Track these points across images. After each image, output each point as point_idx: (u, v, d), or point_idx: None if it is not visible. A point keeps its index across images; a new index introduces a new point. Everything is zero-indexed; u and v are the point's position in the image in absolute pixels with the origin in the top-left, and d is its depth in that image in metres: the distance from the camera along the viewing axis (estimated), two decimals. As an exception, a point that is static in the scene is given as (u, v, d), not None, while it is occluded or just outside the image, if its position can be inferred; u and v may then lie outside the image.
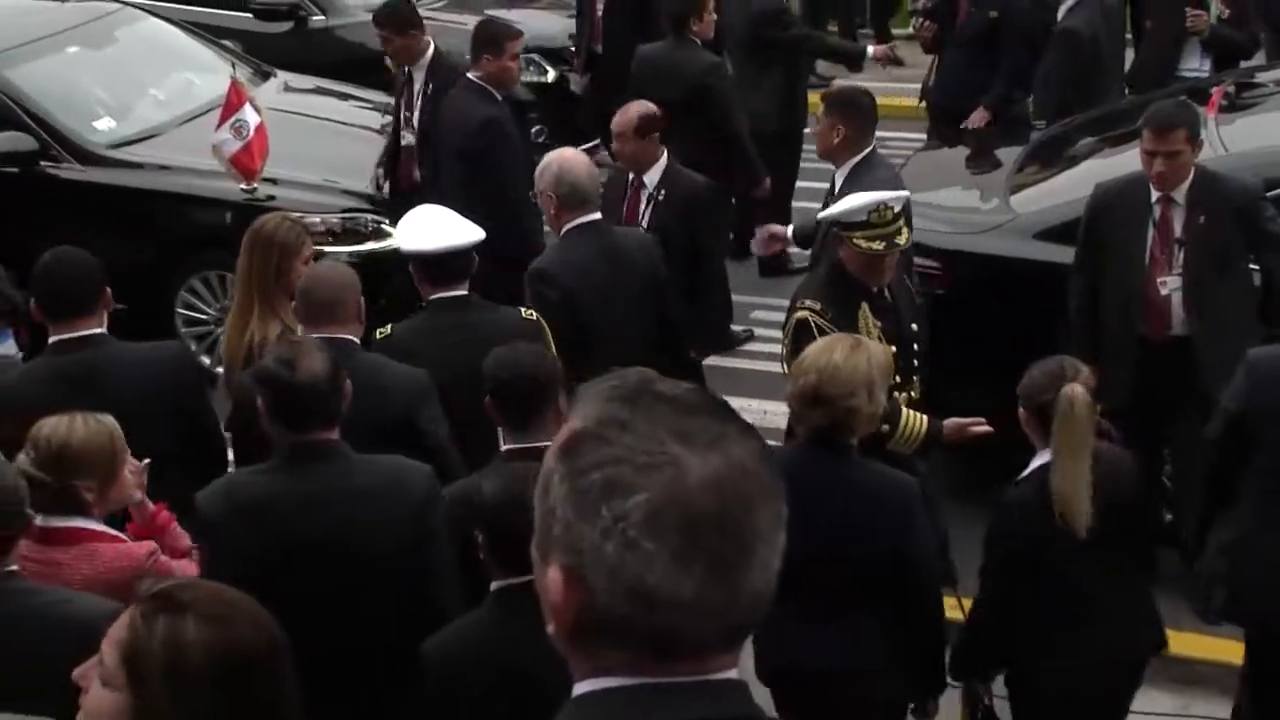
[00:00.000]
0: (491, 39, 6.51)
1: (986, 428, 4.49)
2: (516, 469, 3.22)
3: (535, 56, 9.02)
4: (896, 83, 11.31)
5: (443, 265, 4.42)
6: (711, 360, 6.35)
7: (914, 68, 11.42)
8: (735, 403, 6.70)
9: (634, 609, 1.23)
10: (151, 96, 7.78)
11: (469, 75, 6.58)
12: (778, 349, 7.31)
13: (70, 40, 7.79)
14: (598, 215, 4.97)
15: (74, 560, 3.50)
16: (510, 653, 2.99)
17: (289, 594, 3.31)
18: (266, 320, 4.42)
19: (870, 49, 8.66)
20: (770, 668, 3.90)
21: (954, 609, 4.21)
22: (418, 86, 6.94)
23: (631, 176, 5.97)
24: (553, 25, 9.62)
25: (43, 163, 7.07)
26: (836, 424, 3.77)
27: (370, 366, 4.07)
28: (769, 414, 6.86)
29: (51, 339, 4.15)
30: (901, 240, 4.63)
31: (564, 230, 4.94)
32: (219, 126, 6.68)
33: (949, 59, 8.17)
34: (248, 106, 6.66)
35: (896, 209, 4.60)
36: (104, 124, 7.39)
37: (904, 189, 5.03)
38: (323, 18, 9.38)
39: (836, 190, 5.48)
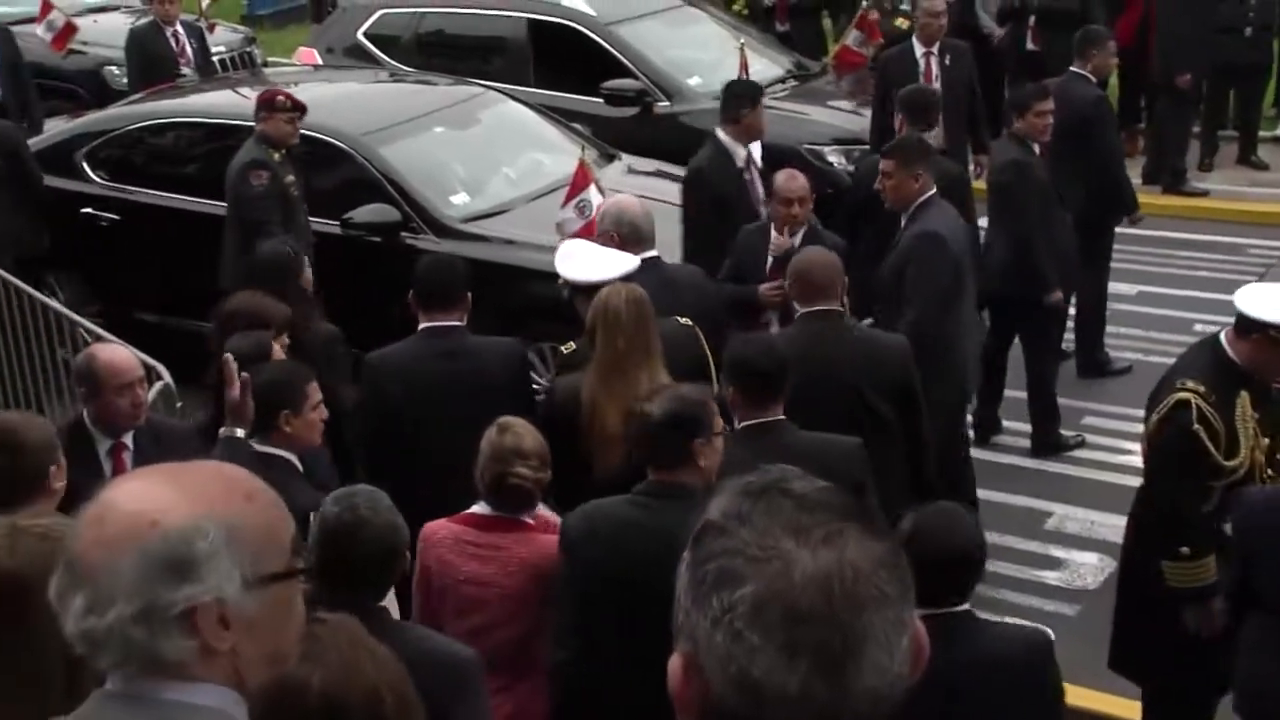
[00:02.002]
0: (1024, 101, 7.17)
1: None
2: None
3: (852, 150, 9.08)
4: (1258, 187, 10.70)
5: None
6: (1039, 464, 6.13)
7: (1276, 171, 10.79)
8: (1060, 510, 6.41)
9: (742, 700, 1.23)
10: (504, 174, 8.22)
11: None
12: (1106, 457, 7.05)
13: (437, 120, 8.35)
14: (655, 252, 5.61)
15: (514, 545, 3.90)
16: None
17: (634, 618, 3.58)
18: (643, 376, 4.54)
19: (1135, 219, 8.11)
20: (1247, 698, 3.99)
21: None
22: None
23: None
24: (855, 120, 9.52)
25: (403, 233, 7.56)
26: None
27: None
28: (1095, 524, 6.54)
29: (422, 326, 5.01)
30: None
31: None
32: (564, 205, 6.93)
33: None
34: (592, 187, 6.87)
35: None
36: (459, 199, 7.83)
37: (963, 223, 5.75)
38: (668, 104, 9.69)
39: (904, 224, 6.00)
